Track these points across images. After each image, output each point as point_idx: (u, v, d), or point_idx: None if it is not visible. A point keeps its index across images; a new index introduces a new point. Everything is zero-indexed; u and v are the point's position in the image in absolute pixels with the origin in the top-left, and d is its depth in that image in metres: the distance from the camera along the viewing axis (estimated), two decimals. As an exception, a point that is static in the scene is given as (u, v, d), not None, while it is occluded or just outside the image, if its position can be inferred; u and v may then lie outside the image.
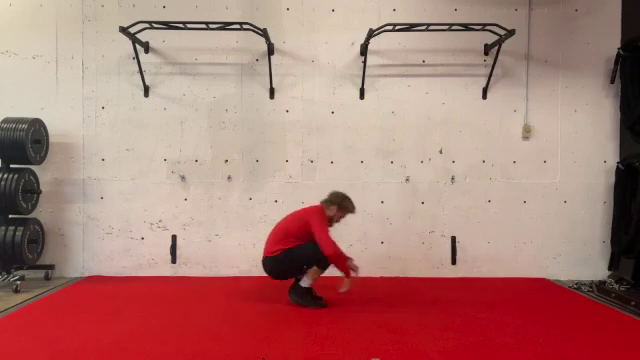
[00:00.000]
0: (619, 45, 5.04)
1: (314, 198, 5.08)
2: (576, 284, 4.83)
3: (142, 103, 5.12)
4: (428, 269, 5.14)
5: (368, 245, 5.15)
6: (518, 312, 3.87)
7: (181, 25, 4.70)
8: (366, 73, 5.04)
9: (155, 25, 4.70)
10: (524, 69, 5.15)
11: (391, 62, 5.15)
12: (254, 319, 3.64)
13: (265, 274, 4.10)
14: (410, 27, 4.74)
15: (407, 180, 5.16)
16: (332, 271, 5.11)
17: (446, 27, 4.70)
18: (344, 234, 5.12)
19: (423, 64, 5.15)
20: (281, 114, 5.14)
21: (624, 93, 4.96)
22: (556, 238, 5.16)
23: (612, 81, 5.09)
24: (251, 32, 4.76)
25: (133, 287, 4.60)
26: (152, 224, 5.11)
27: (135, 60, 4.94)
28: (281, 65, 5.10)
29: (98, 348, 3.02)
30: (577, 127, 5.17)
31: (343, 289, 3.96)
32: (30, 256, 4.74)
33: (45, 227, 5.00)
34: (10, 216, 4.71)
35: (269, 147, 5.15)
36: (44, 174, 5.05)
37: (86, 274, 5.08)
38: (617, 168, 4.97)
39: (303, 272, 3.97)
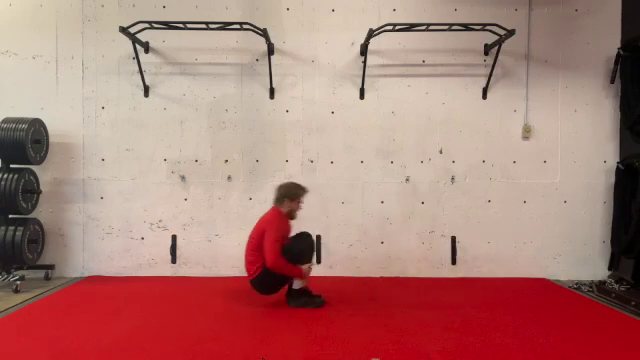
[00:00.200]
0: (619, 45, 5.04)
1: (314, 198, 5.11)
2: (576, 284, 4.83)
3: (142, 103, 5.12)
4: (428, 269, 5.14)
5: (368, 245, 5.15)
6: (518, 312, 3.87)
7: (181, 25, 4.70)
8: (366, 73, 5.04)
9: (155, 25, 4.70)
10: (524, 69, 5.15)
11: (391, 62, 5.15)
12: (254, 319, 3.64)
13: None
14: (410, 27, 4.74)
15: (407, 180, 5.16)
16: (327, 272, 5.12)
17: (446, 27, 4.70)
18: (344, 234, 5.14)
19: (423, 64, 5.15)
20: (281, 114, 5.14)
21: (624, 93, 4.97)
22: (556, 238, 5.16)
23: (612, 81, 5.09)
24: (251, 32, 4.76)
25: (133, 287, 4.60)
26: (152, 224, 5.11)
27: (135, 60, 4.94)
28: (281, 65, 5.10)
29: (98, 348, 3.02)
30: (577, 127, 5.17)
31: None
32: (30, 256, 4.74)
33: (45, 227, 5.00)
34: (10, 216, 4.71)
35: (269, 147, 5.15)
36: (44, 174, 5.05)
37: (86, 274, 5.08)
38: (617, 168, 4.97)
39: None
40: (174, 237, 5.08)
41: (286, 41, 5.11)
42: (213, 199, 5.12)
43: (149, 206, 5.11)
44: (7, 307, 3.92)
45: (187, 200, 5.12)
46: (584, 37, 5.15)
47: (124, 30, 4.62)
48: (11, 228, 4.59)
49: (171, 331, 3.35)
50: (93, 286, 4.67)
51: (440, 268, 5.15)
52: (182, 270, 5.10)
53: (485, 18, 4.95)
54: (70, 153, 5.11)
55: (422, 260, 5.15)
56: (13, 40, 5.08)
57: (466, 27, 4.71)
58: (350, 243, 5.14)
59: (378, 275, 5.13)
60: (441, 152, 5.16)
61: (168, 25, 4.72)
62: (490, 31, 4.76)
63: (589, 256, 5.17)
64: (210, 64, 5.13)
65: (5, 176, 4.60)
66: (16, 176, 4.61)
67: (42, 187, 4.98)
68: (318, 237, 5.10)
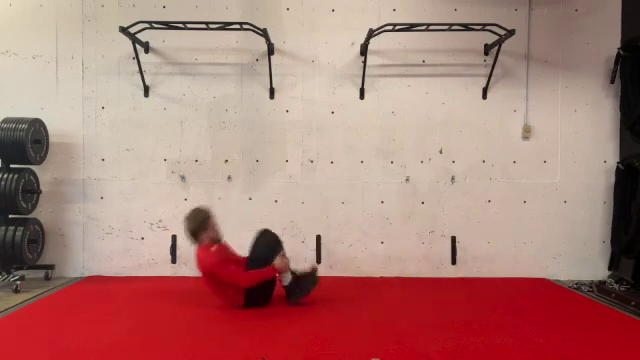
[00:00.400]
0: (619, 45, 5.04)
1: (314, 198, 5.12)
2: (576, 284, 4.83)
3: (142, 103, 5.12)
4: (428, 269, 5.14)
5: (368, 245, 5.15)
6: (518, 312, 3.87)
7: (181, 25, 4.70)
8: (366, 73, 5.04)
9: (155, 25, 4.70)
10: (524, 69, 5.15)
11: (391, 62, 5.15)
12: (254, 319, 3.64)
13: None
14: (410, 27, 4.75)
15: (407, 180, 5.16)
16: (327, 272, 5.12)
17: (446, 27, 4.70)
18: (344, 234, 5.14)
19: (423, 64, 5.15)
20: (281, 114, 5.14)
21: (624, 93, 4.96)
22: (556, 238, 5.16)
23: (612, 81, 5.09)
24: (251, 32, 4.77)
25: (133, 287, 4.60)
26: (152, 224, 5.11)
27: (135, 60, 4.94)
28: (281, 65, 5.10)
29: (98, 348, 3.02)
30: (577, 127, 5.17)
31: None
32: (30, 256, 4.74)
33: (45, 227, 5.00)
34: (10, 216, 4.71)
35: (269, 147, 5.15)
36: (44, 174, 5.05)
37: (86, 274, 5.09)
38: (617, 168, 4.97)
39: (275, 278, 3.95)
40: (174, 237, 5.08)
41: (286, 41, 5.11)
42: (213, 199, 5.12)
43: (149, 206, 5.11)
44: (7, 307, 3.92)
45: (187, 200, 5.12)
46: (584, 37, 5.15)
47: (124, 30, 4.62)
48: (11, 228, 4.59)
49: (171, 331, 3.35)
50: (93, 286, 4.67)
51: (440, 268, 5.15)
52: (182, 270, 5.10)
53: (485, 18, 4.95)
54: (70, 153, 5.11)
55: (422, 260, 5.15)
56: (13, 40, 5.08)
57: (466, 27, 4.71)
58: (350, 243, 5.14)
59: (378, 275, 5.13)
60: (441, 152, 5.16)
61: (168, 25, 4.72)
62: (490, 31, 4.76)
63: (589, 256, 5.17)
64: (210, 64, 5.13)
65: (5, 176, 4.60)
66: (16, 176, 4.61)
67: (42, 187, 4.98)
68: (318, 237, 5.10)
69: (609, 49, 5.09)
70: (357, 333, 3.32)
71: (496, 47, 4.89)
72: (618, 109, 5.10)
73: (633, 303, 4.04)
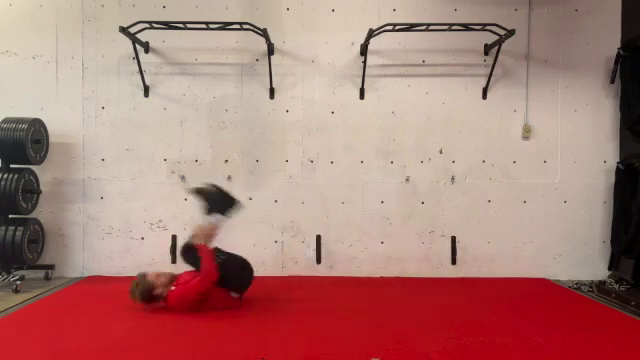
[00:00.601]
0: (619, 45, 5.04)
1: (314, 198, 5.12)
2: (576, 284, 4.83)
3: (142, 103, 5.12)
4: (428, 269, 5.14)
5: (368, 245, 5.15)
6: (518, 312, 3.87)
7: (181, 25, 4.70)
8: (366, 73, 5.04)
9: (155, 25, 4.70)
10: (524, 69, 5.15)
11: (391, 62, 5.15)
12: (254, 319, 3.64)
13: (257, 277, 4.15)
14: (410, 27, 4.74)
15: (407, 180, 5.16)
16: (327, 272, 5.12)
17: (446, 27, 4.70)
18: (344, 234, 5.14)
19: (423, 64, 5.15)
20: (281, 114, 5.14)
21: (624, 93, 4.96)
22: (556, 238, 5.16)
23: (612, 81, 5.09)
24: (251, 32, 4.76)
25: (133, 287, 4.59)
26: (152, 224, 5.11)
27: (135, 60, 4.94)
28: (281, 65, 5.10)
29: (98, 348, 3.02)
30: (577, 127, 5.17)
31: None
32: (30, 256, 4.74)
33: (45, 227, 5.00)
34: (10, 216, 4.70)
35: (269, 147, 5.15)
36: (44, 174, 5.05)
37: (86, 274, 5.08)
38: (617, 168, 4.97)
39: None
40: (174, 237, 5.08)
41: (286, 41, 5.11)
42: (213, 199, 5.11)
43: (149, 206, 5.11)
44: (7, 307, 3.91)
45: (187, 200, 5.11)
46: (584, 37, 5.15)
47: (124, 30, 4.62)
48: (11, 228, 4.59)
49: (171, 331, 3.35)
50: (93, 286, 4.67)
51: (440, 268, 5.15)
52: (182, 270, 5.06)
53: (485, 18, 4.95)
54: (70, 153, 5.11)
55: (422, 260, 5.15)
56: (13, 40, 5.08)
57: (466, 27, 4.71)
58: (350, 243, 5.14)
59: (378, 275, 5.12)
60: (441, 152, 5.16)
61: (168, 25, 4.72)
62: (490, 31, 4.76)
63: (589, 256, 5.16)
64: (210, 64, 5.13)
65: (5, 176, 4.60)
66: (16, 176, 4.61)
67: (42, 187, 4.98)
68: (318, 237, 5.11)
69: (609, 49, 5.09)
70: (357, 333, 3.32)
71: (496, 47, 4.89)
72: (618, 109, 5.10)
73: (633, 303, 4.04)
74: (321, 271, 5.10)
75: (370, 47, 4.94)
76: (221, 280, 3.80)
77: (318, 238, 5.10)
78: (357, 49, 5.09)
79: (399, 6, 5.13)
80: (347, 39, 5.11)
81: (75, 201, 5.10)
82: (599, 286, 4.62)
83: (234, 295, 3.97)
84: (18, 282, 4.41)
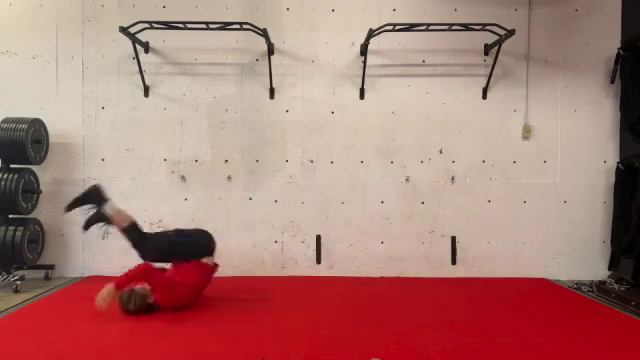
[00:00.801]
0: (619, 45, 5.04)
1: (314, 198, 5.12)
2: (576, 284, 4.83)
3: (142, 103, 5.12)
4: (428, 269, 5.14)
5: (368, 245, 5.15)
6: (518, 312, 3.87)
7: (181, 25, 4.70)
8: (366, 73, 5.04)
9: (155, 25, 4.70)
10: (524, 69, 5.15)
11: (391, 62, 5.15)
12: (254, 319, 3.64)
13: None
14: (410, 27, 4.75)
15: (407, 180, 5.16)
16: (327, 272, 5.12)
17: (446, 27, 4.70)
18: (344, 234, 5.14)
19: (423, 64, 5.15)
20: (281, 114, 5.14)
21: (624, 93, 4.96)
22: (556, 238, 5.16)
23: (612, 81, 5.09)
24: (251, 32, 4.76)
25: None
26: (152, 224, 5.11)
27: (135, 60, 4.94)
28: (281, 65, 5.10)
29: (98, 348, 3.02)
30: (577, 127, 5.17)
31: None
32: (30, 256, 4.74)
33: (45, 227, 5.00)
34: (10, 216, 4.70)
35: (269, 147, 5.15)
36: (44, 174, 5.05)
37: (86, 274, 5.08)
38: (617, 168, 4.97)
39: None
40: (174, 237, 5.07)
41: (286, 41, 5.11)
42: (213, 199, 5.12)
43: (149, 206, 5.11)
44: (7, 307, 3.91)
45: (187, 200, 5.12)
46: (584, 37, 5.15)
47: (124, 30, 4.62)
48: (11, 228, 4.59)
49: (171, 331, 3.35)
50: (93, 286, 4.62)
51: (440, 268, 5.15)
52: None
53: (485, 18, 4.95)
54: (70, 153, 5.11)
55: (422, 260, 5.15)
56: (13, 40, 5.08)
57: (466, 27, 4.71)
58: (350, 243, 5.14)
59: (378, 275, 5.12)
60: (441, 152, 5.16)
61: (168, 25, 4.72)
62: (490, 31, 4.76)
63: (589, 256, 5.17)
64: (210, 64, 5.13)
65: (5, 176, 4.60)
66: (16, 176, 4.61)
67: (42, 187, 4.98)
68: (318, 237, 5.11)
69: (609, 49, 5.09)
70: (357, 333, 3.32)
71: (496, 47, 4.89)
72: (618, 109, 5.10)
73: (633, 303, 4.04)
74: (321, 271, 5.10)
75: (370, 47, 4.94)
76: (185, 254, 3.94)
77: (318, 238, 5.10)
78: (357, 49, 5.09)
79: (399, 6, 5.13)
80: (347, 39, 5.11)
81: (75, 201, 5.09)
82: (599, 286, 4.62)
83: (209, 262, 4.02)
84: (18, 282, 4.41)
